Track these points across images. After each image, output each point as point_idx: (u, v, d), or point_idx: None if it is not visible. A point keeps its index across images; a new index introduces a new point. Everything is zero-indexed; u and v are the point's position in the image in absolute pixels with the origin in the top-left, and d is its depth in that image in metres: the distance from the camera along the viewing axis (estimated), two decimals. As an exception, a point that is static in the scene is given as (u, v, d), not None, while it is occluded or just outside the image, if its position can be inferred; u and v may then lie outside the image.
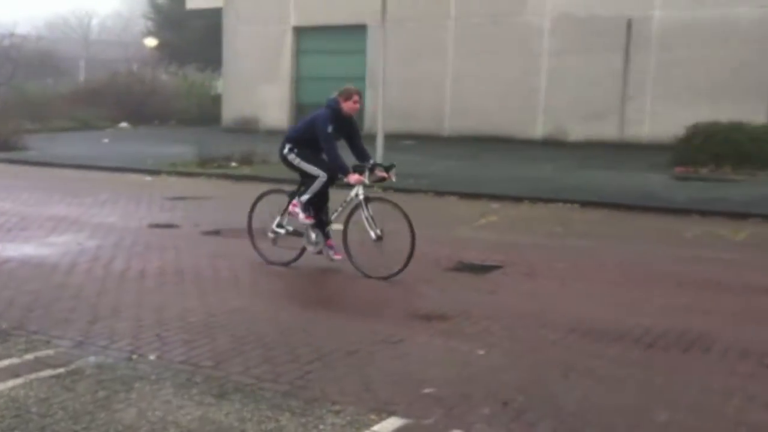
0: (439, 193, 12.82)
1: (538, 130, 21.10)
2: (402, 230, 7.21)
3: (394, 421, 4.20)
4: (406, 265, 7.22)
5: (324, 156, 7.51)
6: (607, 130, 19.97)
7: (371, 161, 7.60)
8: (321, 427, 4.11)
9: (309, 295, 7.01)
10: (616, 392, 4.67)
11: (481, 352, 5.32)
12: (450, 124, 22.33)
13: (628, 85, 19.93)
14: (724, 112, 16.16)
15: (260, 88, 25.38)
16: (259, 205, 8.12)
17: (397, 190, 13.13)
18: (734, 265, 8.17)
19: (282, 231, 7.91)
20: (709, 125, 15.67)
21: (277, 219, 7.91)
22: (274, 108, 25.22)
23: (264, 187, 9.16)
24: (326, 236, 7.76)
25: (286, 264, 7.79)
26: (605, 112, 20.08)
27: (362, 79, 22.80)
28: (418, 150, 18.66)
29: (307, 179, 7.65)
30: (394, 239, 7.29)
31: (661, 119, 18.67)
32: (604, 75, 20.06)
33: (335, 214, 7.72)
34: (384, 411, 4.32)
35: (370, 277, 7.31)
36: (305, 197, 7.60)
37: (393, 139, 17.23)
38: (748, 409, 4.43)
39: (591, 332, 5.79)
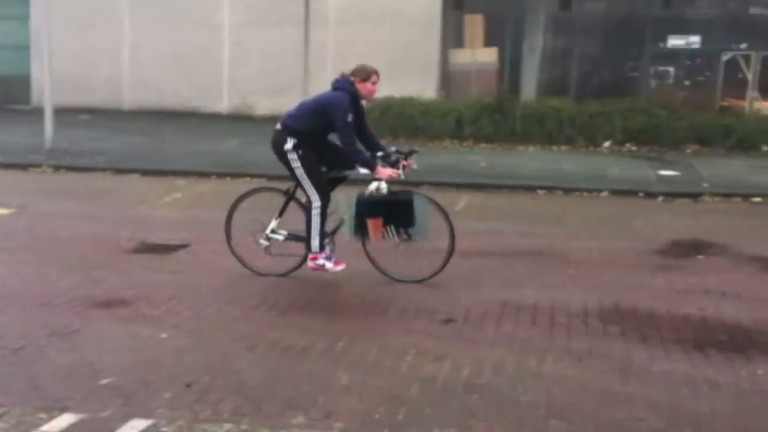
0: (119, 171, 12.12)
1: (224, 104, 20.88)
2: (438, 226, 6.36)
3: (68, 418, 3.89)
4: (445, 264, 6.37)
5: (336, 151, 6.30)
6: (291, 104, 20.15)
7: (391, 148, 6.42)
8: (-21, 436, 3.66)
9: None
10: (300, 361, 4.74)
11: (164, 336, 5.11)
12: (130, 98, 21.24)
13: (309, 60, 20.43)
14: (398, 88, 17.16)
15: None
16: (243, 205, 6.69)
17: (71, 169, 12.28)
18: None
19: (279, 237, 6.58)
20: (385, 100, 16.57)
21: (273, 223, 6.58)
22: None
23: None
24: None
25: (283, 275, 6.55)
26: (289, 87, 20.37)
27: (26, 47, 20.78)
28: (94, 125, 17.49)
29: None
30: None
31: (342, 94, 19.39)
32: (287, 50, 20.33)
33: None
34: (55, 408, 3.97)
35: (400, 281, 6.42)
36: (316, 242, 6.29)
37: (66, 113, 16.03)
38: (421, 364, 4.74)
39: (277, 305, 5.84)
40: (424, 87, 18.40)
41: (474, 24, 20.10)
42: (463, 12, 20.25)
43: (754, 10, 20.10)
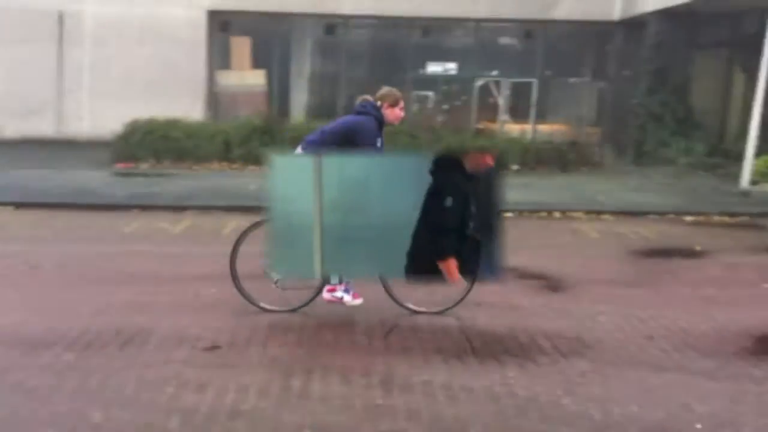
0: None
1: (-34, 127, 19.09)
2: None
3: None
4: (466, 294, 6.13)
5: None
6: (44, 126, 19.00)
7: None
8: None
9: None
10: (46, 402, 4.35)
11: None
12: None
13: (63, 80, 19.25)
14: (162, 109, 16.66)
15: None
16: (251, 237, 6.20)
17: None
18: (172, 257, 8.40)
19: None
20: (148, 122, 16.02)
21: None
22: None
23: None
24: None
25: (294, 310, 6.16)
26: (41, 108, 19.10)
27: None
28: None
29: None
30: None
31: (101, 115, 18.44)
32: (39, 69, 19.05)
33: None
34: None
35: (417, 312, 6.18)
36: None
37: None
38: (182, 395, 4.52)
39: (21, 343, 5.33)
40: (191, 108, 18.02)
41: (240, 46, 20.03)
42: (230, 34, 20.09)
43: (503, 41, 21.81)
